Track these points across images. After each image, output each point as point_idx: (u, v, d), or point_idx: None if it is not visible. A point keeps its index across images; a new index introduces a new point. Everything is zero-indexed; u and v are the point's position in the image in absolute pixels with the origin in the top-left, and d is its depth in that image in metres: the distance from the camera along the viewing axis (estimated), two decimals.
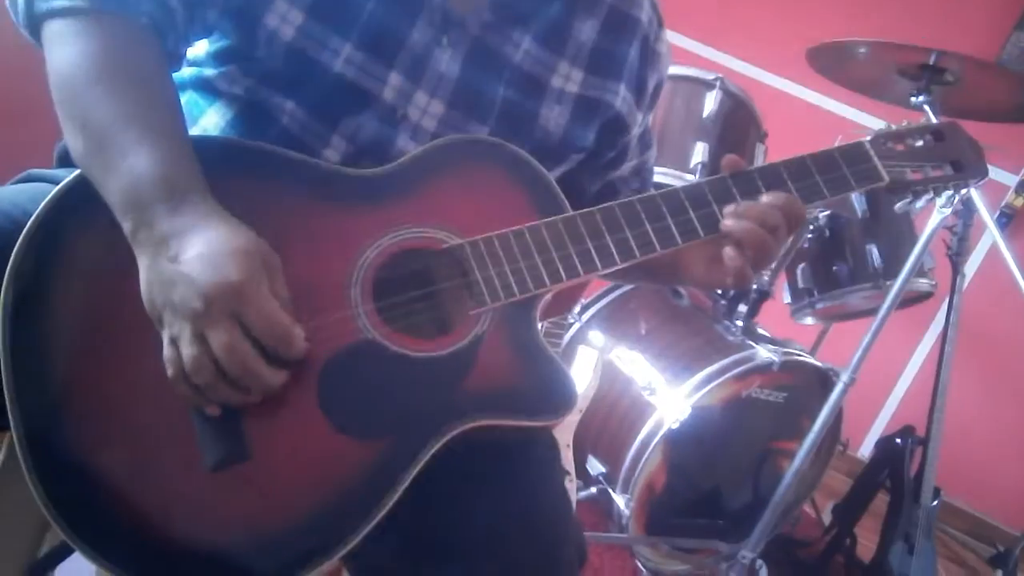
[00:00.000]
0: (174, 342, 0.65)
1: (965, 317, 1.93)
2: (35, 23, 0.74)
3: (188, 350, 0.64)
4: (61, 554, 0.70)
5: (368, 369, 0.72)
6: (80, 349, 0.68)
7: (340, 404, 0.70)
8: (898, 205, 0.94)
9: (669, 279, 1.02)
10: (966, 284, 1.95)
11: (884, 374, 2.84)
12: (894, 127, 0.94)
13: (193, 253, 0.64)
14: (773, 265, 2.03)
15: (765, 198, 0.82)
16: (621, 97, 0.93)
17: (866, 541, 2.05)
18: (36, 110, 0.73)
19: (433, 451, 0.70)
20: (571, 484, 1.64)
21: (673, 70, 2.00)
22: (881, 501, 2.01)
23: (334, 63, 0.80)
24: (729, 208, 0.82)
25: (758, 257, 0.80)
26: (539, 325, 0.80)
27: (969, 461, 2.61)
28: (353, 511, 0.67)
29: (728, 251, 0.81)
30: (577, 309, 2.07)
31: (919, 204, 0.95)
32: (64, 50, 0.72)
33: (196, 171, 0.70)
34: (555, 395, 0.75)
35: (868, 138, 0.91)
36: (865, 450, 2.77)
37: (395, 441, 0.70)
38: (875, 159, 0.89)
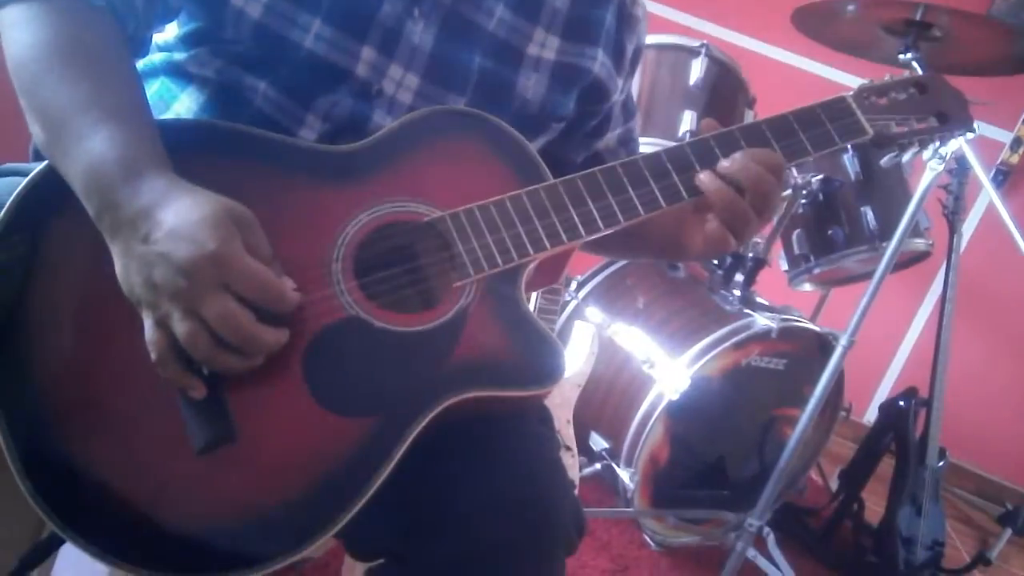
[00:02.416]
0: (160, 323, 0.64)
1: (965, 277, 1.92)
2: None
3: (181, 327, 0.63)
4: (54, 544, 0.70)
5: (353, 346, 0.72)
6: (60, 340, 0.67)
7: (327, 382, 0.70)
8: (884, 159, 0.93)
9: (665, 251, 1.01)
10: (964, 244, 1.95)
11: (886, 339, 2.83)
12: (876, 81, 0.93)
13: (164, 230, 0.63)
14: (764, 230, 2.02)
15: (738, 155, 0.81)
16: (599, 62, 0.91)
17: (874, 505, 2.05)
18: (15, 105, 0.72)
19: (423, 425, 0.70)
20: (573, 459, 1.64)
21: (657, 39, 1.99)
22: (888, 465, 2.01)
23: (304, 40, 0.79)
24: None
25: (735, 219, 0.80)
26: (526, 296, 0.79)
27: (974, 421, 2.61)
28: (344, 488, 0.67)
29: (710, 225, 0.80)
30: (573, 286, 2.07)
31: (906, 157, 0.94)
32: (19, 36, 0.71)
33: (155, 149, 0.69)
34: (543, 364, 0.75)
35: (851, 93, 0.90)
36: (870, 416, 2.77)
37: (384, 417, 0.70)
38: (858, 113, 0.87)
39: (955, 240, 1.90)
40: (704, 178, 0.80)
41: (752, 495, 1.75)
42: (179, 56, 0.85)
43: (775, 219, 2.02)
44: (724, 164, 0.80)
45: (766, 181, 0.79)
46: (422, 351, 0.73)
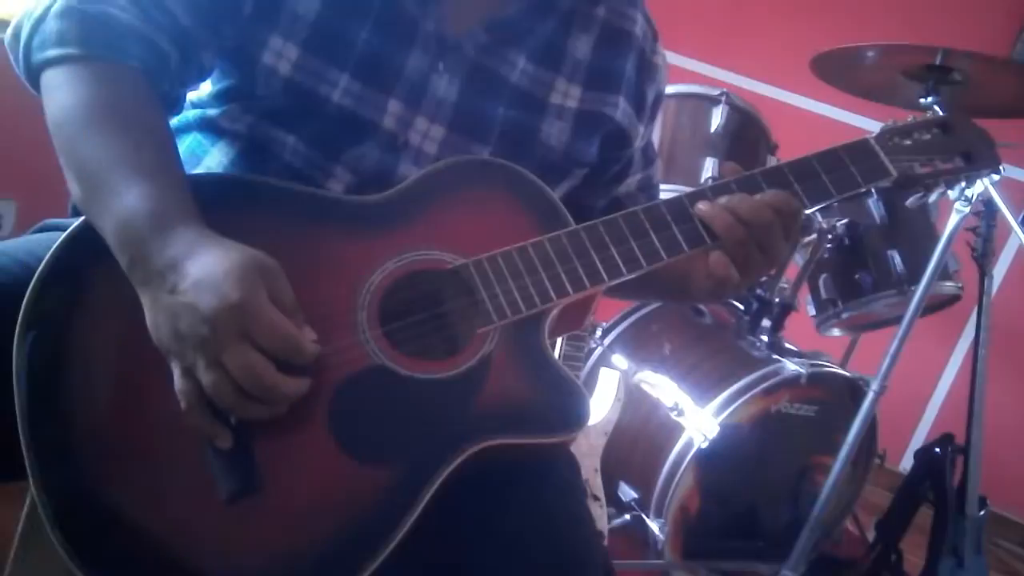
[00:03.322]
0: (187, 373, 0.65)
1: (999, 320, 1.88)
2: (34, 74, 0.76)
3: (206, 377, 0.64)
4: None
5: (378, 394, 0.72)
6: (94, 390, 0.69)
7: (352, 431, 0.70)
8: (910, 200, 0.93)
9: (671, 292, 1.01)
10: (996, 286, 1.91)
11: (920, 384, 2.77)
12: (900, 122, 0.93)
13: (190, 282, 0.65)
14: (789, 274, 2.01)
15: (757, 196, 0.81)
16: (621, 110, 0.93)
17: (913, 557, 1.98)
18: (55, 164, 0.75)
19: (447, 472, 0.69)
20: (601, 509, 1.61)
21: (677, 88, 2.01)
22: (926, 516, 1.95)
23: (332, 95, 0.82)
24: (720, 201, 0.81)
25: (741, 261, 0.80)
26: (549, 342, 0.79)
27: (1015, 468, 2.53)
28: (369, 537, 0.67)
29: (714, 255, 0.80)
30: (599, 333, 2.06)
31: (932, 198, 0.94)
32: (58, 97, 0.74)
33: (186, 203, 0.71)
34: (567, 410, 0.74)
35: (874, 135, 0.90)
36: (906, 464, 2.69)
37: (409, 465, 0.70)
38: (881, 154, 0.87)
39: (986, 283, 1.86)
40: (703, 207, 0.80)
41: (786, 546, 1.71)
42: (212, 112, 0.87)
43: (798, 263, 2.01)
44: (734, 199, 0.80)
45: (765, 216, 0.79)
46: (447, 399, 0.73)
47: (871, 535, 2.10)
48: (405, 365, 0.73)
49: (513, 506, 0.75)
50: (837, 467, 1.65)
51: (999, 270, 2.48)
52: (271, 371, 0.65)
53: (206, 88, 0.89)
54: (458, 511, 0.72)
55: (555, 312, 0.79)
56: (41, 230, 0.86)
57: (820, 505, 1.66)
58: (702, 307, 2.05)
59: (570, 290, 0.78)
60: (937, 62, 1.66)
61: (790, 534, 1.73)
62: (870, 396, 1.64)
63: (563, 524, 0.76)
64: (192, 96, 0.90)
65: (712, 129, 1.92)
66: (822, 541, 1.96)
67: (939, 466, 1.88)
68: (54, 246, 0.71)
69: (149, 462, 0.68)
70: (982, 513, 1.87)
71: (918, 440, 2.78)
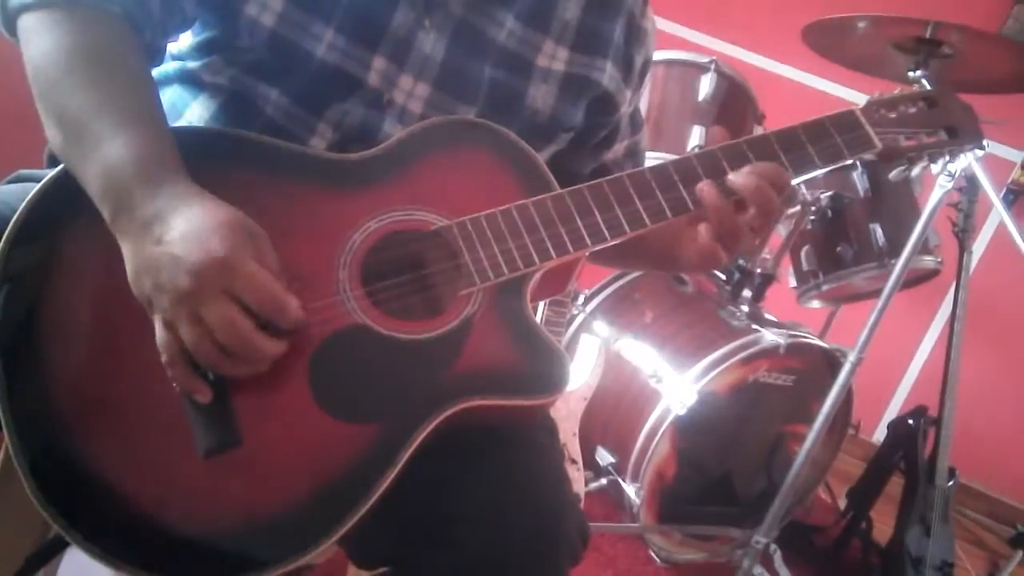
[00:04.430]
0: (169, 326, 0.65)
1: (976, 296, 1.91)
2: (10, 19, 0.74)
3: (187, 331, 0.64)
4: (59, 546, 0.70)
5: (359, 353, 0.72)
6: (71, 343, 0.68)
7: (332, 389, 0.70)
8: (893, 173, 0.93)
9: (661, 262, 1.01)
10: (975, 262, 1.93)
11: (896, 357, 2.81)
12: (886, 95, 0.93)
13: (176, 233, 0.64)
14: (772, 245, 2.02)
15: (747, 169, 0.81)
16: (608, 74, 0.92)
17: (883, 525, 2.03)
18: (30, 111, 0.73)
19: (427, 432, 0.70)
20: (578, 473, 1.63)
21: (666, 55, 2.00)
22: (897, 484, 1.99)
23: (317, 49, 0.80)
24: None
25: (725, 234, 0.80)
26: (532, 306, 0.79)
27: (984, 441, 2.58)
28: (348, 493, 0.67)
29: (700, 227, 0.80)
30: (581, 300, 2.07)
31: (915, 171, 0.95)
32: (38, 43, 0.72)
33: (172, 154, 0.70)
34: (547, 373, 0.75)
35: (860, 106, 0.90)
36: (879, 435, 2.74)
37: (388, 424, 0.70)
38: (867, 126, 0.88)
39: (965, 258, 1.88)
40: (704, 187, 0.81)
41: (759, 512, 1.74)
42: (192, 64, 0.86)
43: (781, 234, 2.02)
44: (730, 177, 0.81)
45: (769, 197, 0.80)
46: (427, 359, 0.73)
47: (843, 503, 2.15)
48: (386, 325, 0.73)
49: (491, 466, 0.75)
50: (812, 436, 1.68)
51: (978, 246, 2.50)
52: (250, 328, 0.64)
53: (186, 40, 0.87)
54: (436, 471, 0.72)
55: (537, 276, 0.79)
56: (15, 180, 0.84)
57: (793, 473, 1.69)
58: (684, 276, 2.06)
59: (553, 254, 0.78)
60: (928, 35, 1.66)
61: (763, 501, 1.76)
62: (847, 367, 1.66)
63: (540, 485, 0.77)
64: (172, 48, 0.89)
65: (700, 97, 1.92)
66: (794, 508, 2.00)
67: (912, 437, 1.92)
68: (28, 197, 0.70)
69: (127, 415, 0.67)
70: (951, 484, 1.91)
71: (892, 412, 2.83)
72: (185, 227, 0.64)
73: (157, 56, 0.85)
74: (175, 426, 0.67)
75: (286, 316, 0.66)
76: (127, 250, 0.66)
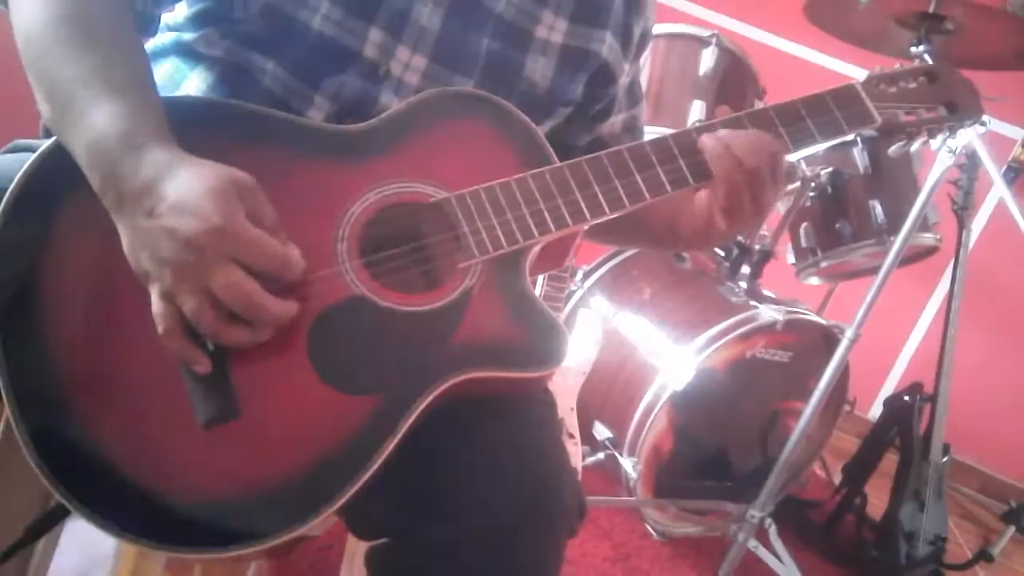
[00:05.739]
0: (166, 297, 0.65)
1: (974, 273, 1.91)
2: None
3: (188, 302, 0.63)
4: (60, 515, 0.70)
5: (357, 325, 0.72)
6: (69, 314, 0.68)
7: (330, 360, 0.70)
8: (892, 148, 0.93)
9: (662, 240, 1.01)
10: (974, 239, 1.94)
11: (893, 334, 2.82)
12: (886, 70, 0.92)
13: (167, 205, 0.64)
14: (771, 222, 2.01)
15: (744, 133, 0.80)
16: (607, 45, 0.91)
17: (877, 500, 2.05)
18: (26, 79, 0.72)
19: (426, 404, 0.70)
20: (576, 447, 1.64)
21: (667, 28, 1.98)
22: (892, 461, 2.01)
23: (313, 20, 0.79)
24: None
25: (730, 203, 0.80)
26: (530, 280, 0.79)
27: (979, 418, 2.60)
28: (346, 466, 0.67)
29: (700, 195, 0.80)
30: (579, 276, 2.07)
31: (914, 147, 0.94)
32: (27, 11, 0.71)
33: (158, 123, 0.69)
34: (546, 346, 0.75)
35: (860, 80, 0.89)
36: (875, 412, 2.76)
37: (386, 395, 0.70)
38: (867, 101, 0.87)
39: (964, 236, 1.88)
40: (707, 140, 0.80)
41: (755, 487, 1.75)
42: (188, 36, 0.85)
43: (780, 210, 2.02)
44: (726, 132, 0.80)
45: (761, 159, 0.79)
46: (426, 331, 0.73)
47: (838, 479, 2.17)
48: (385, 297, 0.73)
49: (489, 439, 0.76)
50: (808, 413, 1.69)
51: (977, 223, 2.50)
52: (257, 289, 0.64)
53: (181, 11, 0.86)
54: (435, 443, 0.72)
55: (536, 250, 0.79)
56: (11, 150, 0.84)
57: (789, 449, 1.70)
58: (683, 253, 2.06)
59: (552, 228, 0.78)
60: (931, 9, 1.64)
61: (759, 476, 1.77)
62: (844, 344, 1.67)
63: (538, 457, 0.77)
64: (167, 19, 0.88)
65: (701, 72, 1.90)
66: (790, 483, 2.02)
67: (907, 413, 1.94)
68: (23, 167, 0.69)
69: (126, 387, 0.67)
70: (945, 460, 1.93)
71: (888, 389, 2.84)
72: (175, 196, 0.64)
73: (150, 27, 0.84)
74: (176, 397, 0.67)
75: (290, 268, 0.66)
76: (120, 223, 0.66)
